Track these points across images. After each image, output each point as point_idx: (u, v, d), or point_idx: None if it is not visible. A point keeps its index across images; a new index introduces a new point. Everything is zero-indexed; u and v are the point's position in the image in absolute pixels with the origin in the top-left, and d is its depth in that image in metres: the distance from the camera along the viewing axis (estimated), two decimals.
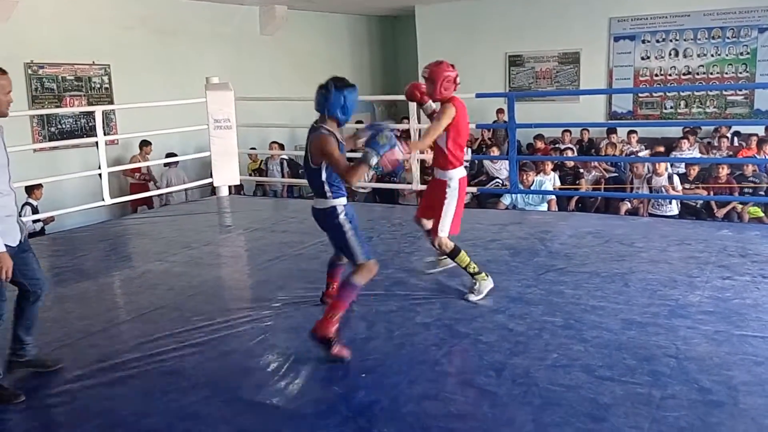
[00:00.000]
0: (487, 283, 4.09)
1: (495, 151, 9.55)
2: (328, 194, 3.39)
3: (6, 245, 2.93)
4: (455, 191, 4.02)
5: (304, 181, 10.33)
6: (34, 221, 7.42)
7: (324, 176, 3.36)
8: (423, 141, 4.02)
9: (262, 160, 10.57)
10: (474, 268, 4.06)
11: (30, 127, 8.55)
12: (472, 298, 4.05)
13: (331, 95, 3.32)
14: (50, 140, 8.70)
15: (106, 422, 2.81)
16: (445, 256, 4.26)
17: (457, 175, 4.04)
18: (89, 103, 9.08)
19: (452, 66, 4.07)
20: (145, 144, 9.26)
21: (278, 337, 3.69)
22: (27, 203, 7.58)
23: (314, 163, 3.35)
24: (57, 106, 8.81)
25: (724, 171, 7.82)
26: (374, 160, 3.20)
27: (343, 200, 3.42)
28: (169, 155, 9.08)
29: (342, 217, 3.40)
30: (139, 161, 9.13)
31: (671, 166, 8.13)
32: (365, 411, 2.84)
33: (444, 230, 4.01)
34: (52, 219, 7.68)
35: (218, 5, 10.80)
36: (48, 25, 8.49)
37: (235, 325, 3.83)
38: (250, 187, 10.17)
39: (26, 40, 8.27)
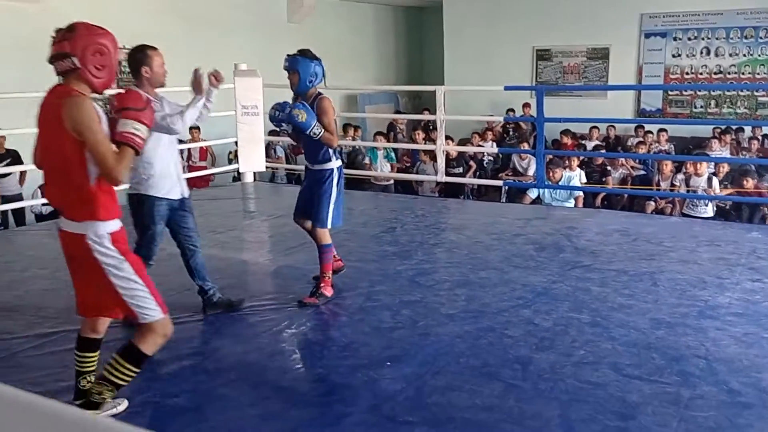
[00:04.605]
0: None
1: (525, 147, 9.46)
2: None
3: (166, 198, 3.49)
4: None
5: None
6: (43, 204, 7.21)
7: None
8: None
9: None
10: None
11: None
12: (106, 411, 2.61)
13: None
14: None
15: (133, 403, 2.84)
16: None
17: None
18: (119, 87, 9.12)
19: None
20: None
21: (303, 323, 3.70)
22: (41, 186, 7.53)
23: None
24: None
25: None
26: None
27: None
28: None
29: None
30: None
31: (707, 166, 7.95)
32: (390, 399, 2.84)
33: None
34: None
35: None
36: (79, 8, 8.53)
37: (260, 311, 3.85)
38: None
39: (57, 23, 8.24)
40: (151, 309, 2.41)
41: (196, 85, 3.62)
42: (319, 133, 3.79)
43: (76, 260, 2.44)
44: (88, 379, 2.68)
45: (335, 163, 3.99)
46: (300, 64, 3.83)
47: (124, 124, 2.39)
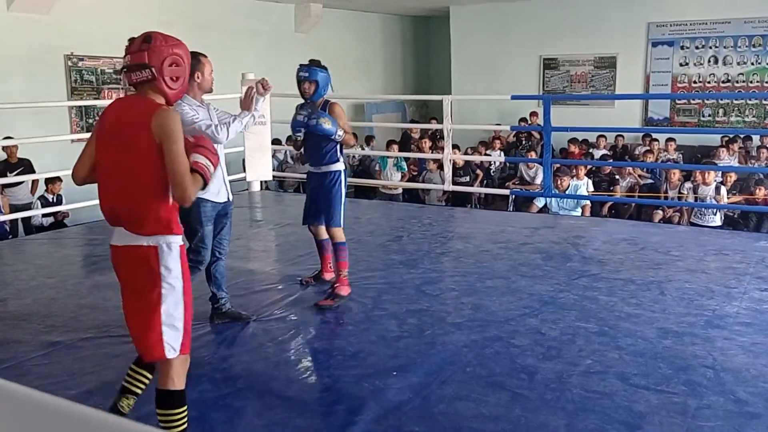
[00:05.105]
0: None
1: (532, 156, 9.47)
2: None
3: (212, 200, 3.53)
4: None
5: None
6: (44, 215, 7.21)
7: None
8: None
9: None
10: None
11: (69, 118, 8.70)
12: None
13: None
14: (88, 131, 8.77)
15: (140, 413, 2.84)
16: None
17: None
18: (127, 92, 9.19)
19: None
20: None
21: (309, 332, 3.70)
22: (42, 196, 7.39)
23: None
24: (96, 98, 8.93)
25: None
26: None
27: None
28: None
29: None
30: None
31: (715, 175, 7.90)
32: (396, 409, 2.83)
33: None
34: (66, 214, 7.24)
35: (255, 2, 10.89)
36: (87, 19, 8.63)
37: (266, 320, 3.86)
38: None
39: (66, 32, 8.42)
40: (179, 345, 2.34)
41: (246, 104, 3.63)
42: (342, 135, 4.01)
43: (136, 277, 2.34)
44: (130, 402, 2.57)
45: (341, 165, 4.13)
46: (318, 75, 4.01)
47: (199, 157, 2.41)
